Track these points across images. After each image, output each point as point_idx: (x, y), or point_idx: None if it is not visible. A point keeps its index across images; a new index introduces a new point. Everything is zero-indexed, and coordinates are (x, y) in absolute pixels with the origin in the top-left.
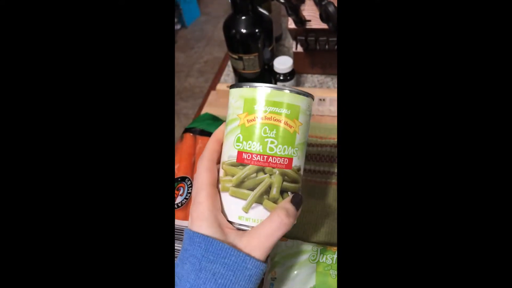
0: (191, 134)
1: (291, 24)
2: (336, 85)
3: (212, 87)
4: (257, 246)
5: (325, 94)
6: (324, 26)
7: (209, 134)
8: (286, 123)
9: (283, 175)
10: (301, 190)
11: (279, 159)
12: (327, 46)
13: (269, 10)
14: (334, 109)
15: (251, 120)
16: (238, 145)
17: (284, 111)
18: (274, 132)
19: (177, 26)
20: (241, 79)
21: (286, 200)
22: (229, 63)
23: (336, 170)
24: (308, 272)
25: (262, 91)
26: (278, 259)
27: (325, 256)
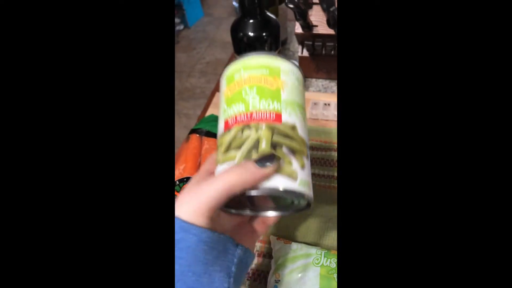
0: (197, 135)
1: (298, 29)
2: None
3: (217, 88)
4: (195, 208)
5: (330, 98)
6: (331, 31)
7: (215, 135)
8: (265, 81)
9: (271, 129)
10: (308, 157)
11: (264, 114)
12: (333, 52)
13: (276, 14)
14: None
15: (232, 89)
16: (224, 116)
17: (262, 71)
18: (255, 89)
19: (180, 27)
20: None
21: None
22: None
23: None
24: (312, 275)
25: (239, 61)
26: (282, 262)
27: (329, 259)
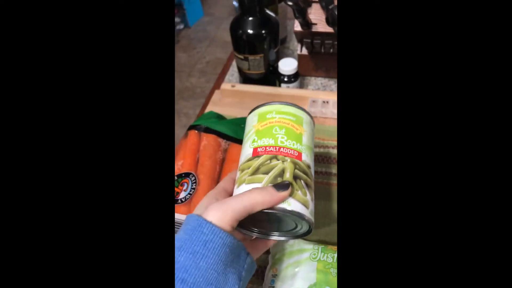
0: (196, 131)
1: (297, 27)
2: None
3: (216, 86)
4: (221, 216)
5: (328, 96)
6: (329, 29)
7: (213, 131)
8: (292, 126)
9: (294, 163)
10: (313, 193)
11: (289, 150)
12: (332, 50)
13: (275, 12)
14: (336, 111)
15: (264, 125)
16: (253, 144)
17: (290, 117)
18: (284, 130)
19: (180, 26)
20: (246, 79)
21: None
22: (234, 63)
23: (336, 171)
24: (309, 269)
25: (273, 105)
26: (279, 257)
27: (326, 254)
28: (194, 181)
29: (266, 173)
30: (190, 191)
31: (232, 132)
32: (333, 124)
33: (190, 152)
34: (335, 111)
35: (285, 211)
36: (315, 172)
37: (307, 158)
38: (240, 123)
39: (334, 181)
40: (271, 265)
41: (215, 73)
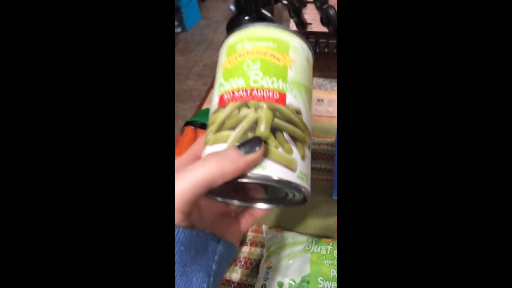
0: (192, 127)
1: (293, 27)
2: (334, 88)
3: (212, 86)
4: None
5: (323, 95)
6: (324, 29)
7: None
8: (272, 55)
9: (273, 110)
10: (310, 148)
11: (266, 92)
12: (326, 49)
13: (271, 13)
14: (331, 109)
15: (232, 60)
16: (220, 89)
17: (269, 44)
18: (258, 64)
19: (178, 29)
20: None
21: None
22: None
23: (332, 168)
24: (302, 261)
25: (244, 29)
26: (274, 249)
27: (319, 246)
28: None
29: (233, 128)
30: None
31: None
32: (328, 122)
33: (186, 148)
34: (330, 109)
35: (259, 177)
36: (312, 168)
37: (294, 100)
38: None
39: (328, 177)
40: (266, 257)
41: (212, 76)
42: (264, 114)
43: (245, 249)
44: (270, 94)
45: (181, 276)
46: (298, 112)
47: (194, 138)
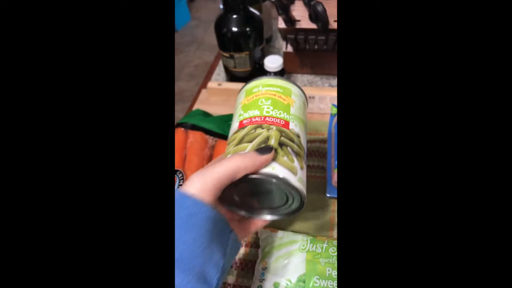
0: (183, 129)
1: (281, 24)
2: (325, 85)
3: (203, 86)
4: (202, 186)
5: (314, 92)
6: (313, 26)
7: (200, 128)
8: (279, 97)
9: (280, 131)
10: (305, 165)
11: (275, 119)
12: (316, 46)
13: (259, 11)
14: (323, 106)
15: (250, 99)
16: (239, 118)
17: (277, 89)
18: (270, 101)
19: None
20: (232, 78)
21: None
22: (220, 62)
23: (324, 165)
24: (298, 260)
25: (259, 79)
26: (269, 250)
27: (315, 245)
28: (182, 178)
29: (251, 141)
30: (178, 187)
31: (219, 128)
32: (319, 119)
33: (177, 149)
34: (321, 106)
35: (268, 175)
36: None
37: (295, 127)
38: (226, 120)
39: (321, 174)
40: (261, 258)
41: (203, 77)
42: (274, 132)
43: (240, 251)
44: (278, 120)
45: (207, 248)
46: (297, 136)
47: (185, 140)
